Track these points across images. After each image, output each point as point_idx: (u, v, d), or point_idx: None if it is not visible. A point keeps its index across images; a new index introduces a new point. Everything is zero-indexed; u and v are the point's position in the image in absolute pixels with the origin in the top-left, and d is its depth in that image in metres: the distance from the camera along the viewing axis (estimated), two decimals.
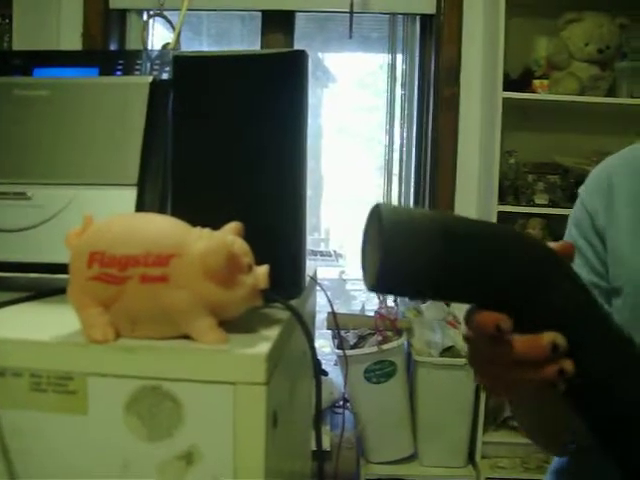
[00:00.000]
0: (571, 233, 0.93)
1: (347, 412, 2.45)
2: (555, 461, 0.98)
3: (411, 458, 2.50)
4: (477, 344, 0.60)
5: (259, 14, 2.88)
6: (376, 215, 0.53)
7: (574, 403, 0.62)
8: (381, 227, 0.51)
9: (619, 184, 0.89)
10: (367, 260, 0.55)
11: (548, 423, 0.83)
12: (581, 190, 0.95)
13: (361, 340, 2.44)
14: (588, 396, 0.60)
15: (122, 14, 2.85)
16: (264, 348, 0.54)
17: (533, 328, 0.56)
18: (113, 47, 2.78)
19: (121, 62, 0.82)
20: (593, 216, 0.90)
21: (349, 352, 2.34)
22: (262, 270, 0.57)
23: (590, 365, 0.58)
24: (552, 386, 0.57)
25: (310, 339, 0.70)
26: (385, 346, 2.36)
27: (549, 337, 0.55)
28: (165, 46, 1.63)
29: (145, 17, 2.81)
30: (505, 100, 2.43)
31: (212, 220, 0.58)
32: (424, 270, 0.53)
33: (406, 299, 2.62)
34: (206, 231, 0.56)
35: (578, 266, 0.89)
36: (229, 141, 0.71)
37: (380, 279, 0.52)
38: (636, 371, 0.61)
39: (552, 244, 0.59)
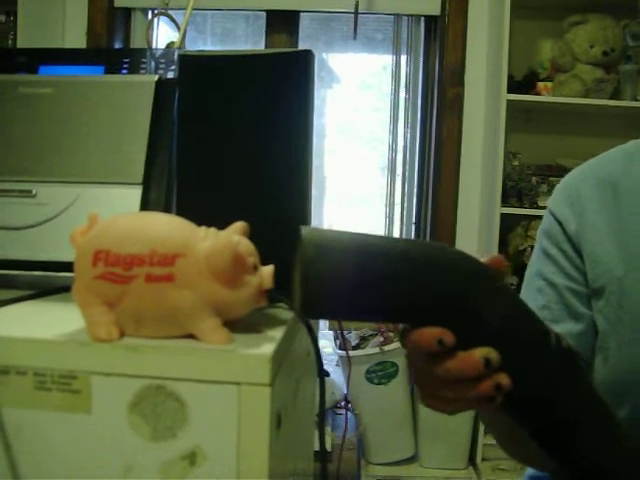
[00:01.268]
0: (542, 244, 0.96)
1: (348, 413, 2.45)
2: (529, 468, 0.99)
3: (412, 459, 2.50)
4: (415, 362, 0.61)
5: (263, 14, 2.88)
6: (299, 240, 0.53)
7: (512, 413, 0.63)
8: (302, 253, 0.52)
9: (587, 194, 0.93)
10: (294, 287, 0.55)
11: (513, 434, 0.83)
12: (549, 203, 0.98)
13: (363, 341, 2.44)
14: (525, 407, 0.61)
15: (127, 13, 2.85)
16: (269, 349, 0.53)
17: (467, 344, 0.55)
18: (118, 45, 2.78)
19: (127, 61, 0.82)
20: (564, 225, 0.93)
21: (351, 353, 2.34)
22: (267, 270, 0.56)
23: (526, 378, 0.58)
24: (490, 400, 0.57)
25: (314, 340, 0.69)
26: (387, 347, 2.36)
27: (481, 352, 0.55)
28: (170, 45, 1.63)
29: (150, 16, 2.81)
30: (509, 102, 2.43)
31: (217, 219, 0.57)
32: (346, 293, 0.53)
33: None
34: (212, 231, 0.56)
35: (553, 273, 0.92)
36: (234, 140, 0.71)
37: (304, 305, 0.53)
38: (572, 380, 0.62)
39: (483, 258, 0.59)
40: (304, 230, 0.53)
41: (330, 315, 0.58)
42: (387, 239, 0.56)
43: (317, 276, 0.51)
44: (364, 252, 0.53)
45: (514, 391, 0.57)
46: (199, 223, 0.57)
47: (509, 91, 2.43)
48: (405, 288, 0.54)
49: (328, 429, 2.34)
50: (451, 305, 0.55)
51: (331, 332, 2.53)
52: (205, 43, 3.04)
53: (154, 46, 2.36)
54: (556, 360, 0.60)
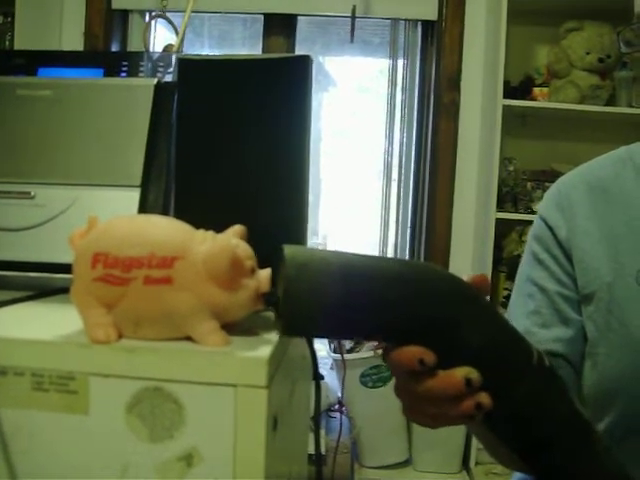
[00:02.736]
0: (533, 249, 0.97)
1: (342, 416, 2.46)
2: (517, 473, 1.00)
3: (405, 463, 2.50)
4: (399, 380, 0.61)
5: (261, 17, 2.89)
6: (282, 259, 0.54)
7: (493, 430, 0.64)
8: (285, 272, 0.52)
9: (577, 200, 0.94)
10: (278, 305, 0.55)
11: (498, 445, 0.84)
12: (540, 208, 0.99)
13: (357, 344, 2.44)
14: (506, 424, 0.62)
15: (124, 14, 2.85)
16: (266, 351, 0.54)
17: (449, 363, 0.56)
18: (115, 47, 2.79)
19: (125, 64, 0.83)
20: (555, 230, 0.94)
21: (346, 356, 2.35)
22: (264, 274, 0.57)
23: (507, 398, 0.59)
24: (470, 418, 0.58)
25: (310, 343, 0.70)
26: (381, 351, 2.36)
27: (462, 372, 0.56)
28: (167, 47, 1.63)
29: (147, 18, 2.81)
30: (505, 107, 2.44)
31: (215, 222, 0.58)
32: (328, 313, 0.53)
33: None
34: (210, 234, 0.56)
35: (544, 278, 0.92)
36: (232, 144, 0.71)
37: (286, 323, 0.53)
38: (553, 400, 0.63)
39: (466, 277, 0.59)
40: (287, 249, 0.54)
41: (312, 333, 0.58)
42: (370, 259, 0.57)
43: (299, 296, 0.52)
44: (346, 273, 0.54)
45: (495, 409, 0.57)
46: (197, 226, 0.57)
47: (505, 96, 2.45)
48: (386, 309, 0.54)
49: (322, 432, 2.34)
50: (432, 326, 0.55)
51: None
52: (203, 46, 3.04)
53: (151, 48, 2.36)
54: (538, 380, 0.60)
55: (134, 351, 0.54)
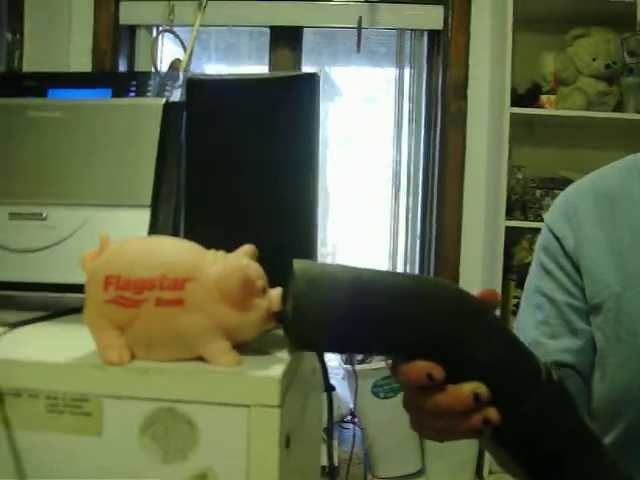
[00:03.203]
0: (541, 260, 0.96)
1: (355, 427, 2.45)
2: None
3: (419, 474, 2.49)
4: (407, 393, 0.61)
5: (267, 30, 2.90)
6: (291, 274, 0.54)
7: (502, 445, 0.63)
8: (294, 288, 0.53)
9: (584, 210, 0.93)
10: (287, 320, 0.55)
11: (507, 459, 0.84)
12: (547, 218, 0.99)
13: (369, 355, 2.44)
14: (513, 439, 0.62)
15: (132, 30, 2.87)
16: (278, 370, 0.54)
17: (457, 378, 0.56)
18: (122, 63, 2.80)
19: (134, 83, 0.83)
20: (562, 241, 0.93)
21: (357, 367, 2.34)
22: (275, 293, 0.57)
23: (515, 413, 0.58)
24: (478, 433, 0.58)
25: (320, 355, 0.70)
26: (390, 365, 2.36)
27: (470, 387, 0.56)
28: (175, 62, 1.64)
29: (154, 33, 2.83)
30: (512, 115, 2.43)
31: (225, 242, 0.58)
32: (337, 329, 0.53)
33: None
34: (221, 254, 0.56)
35: (552, 289, 0.92)
36: (241, 162, 0.72)
37: (296, 339, 0.54)
38: (561, 415, 0.62)
39: (475, 292, 0.59)
40: (297, 264, 0.54)
41: (322, 348, 0.59)
42: (379, 274, 0.57)
43: (308, 311, 0.52)
44: (355, 288, 0.54)
45: (503, 424, 0.57)
46: (207, 245, 0.58)
47: (512, 104, 2.44)
48: (395, 325, 0.55)
49: (335, 444, 2.34)
50: (440, 341, 0.55)
51: None
52: (209, 59, 3.06)
53: (159, 63, 2.38)
54: (546, 395, 0.60)
55: (147, 372, 0.54)
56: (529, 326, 0.93)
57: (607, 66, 2.49)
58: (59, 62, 2.64)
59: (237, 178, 0.71)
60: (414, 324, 0.55)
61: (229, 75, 0.73)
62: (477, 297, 0.59)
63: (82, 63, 2.71)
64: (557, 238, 0.94)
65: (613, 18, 2.46)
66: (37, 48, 2.52)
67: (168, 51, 2.66)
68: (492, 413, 0.56)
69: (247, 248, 0.58)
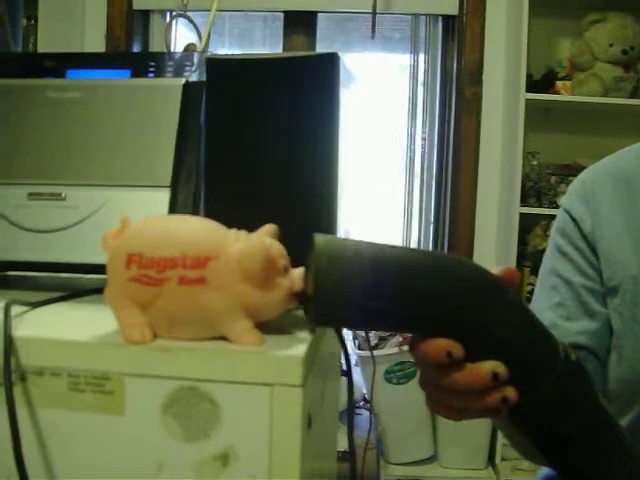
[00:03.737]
0: (557, 242, 0.96)
1: (367, 412, 2.46)
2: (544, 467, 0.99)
3: (431, 459, 2.50)
4: (425, 371, 0.61)
5: (281, 15, 2.89)
6: (312, 249, 0.53)
7: (518, 425, 0.63)
8: (315, 263, 0.52)
9: (602, 192, 0.93)
10: (307, 295, 0.55)
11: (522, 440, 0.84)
12: (564, 201, 0.98)
13: (382, 341, 2.44)
14: (531, 419, 0.62)
15: (145, 15, 2.87)
16: (300, 350, 0.54)
17: (476, 357, 0.56)
18: (136, 48, 2.80)
19: (153, 64, 0.83)
20: (579, 223, 0.93)
21: (369, 353, 2.35)
22: (297, 272, 0.57)
23: (533, 392, 0.58)
24: (496, 412, 0.57)
25: (342, 340, 0.70)
26: (406, 347, 2.36)
27: (489, 366, 0.55)
28: (188, 46, 1.64)
29: (168, 18, 2.82)
30: (528, 101, 2.42)
31: (245, 222, 0.58)
32: (358, 305, 0.53)
33: None
34: (243, 233, 0.56)
35: (569, 271, 0.92)
36: (262, 143, 0.71)
37: (316, 314, 0.53)
38: (579, 395, 0.62)
39: (495, 270, 0.59)
40: (318, 239, 0.53)
41: (342, 324, 0.58)
42: (401, 250, 0.56)
43: (329, 287, 0.52)
44: (377, 263, 0.53)
45: (520, 404, 0.57)
46: (227, 225, 0.57)
47: (528, 90, 2.43)
48: (416, 301, 0.54)
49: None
50: (461, 319, 0.55)
51: (349, 332, 2.53)
52: (223, 45, 3.05)
53: (172, 48, 2.37)
54: (564, 374, 0.60)
55: (169, 351, 0.54)
56: (545, 308, 0.92)
57: (624, 52, 2.46)
58: (73, 47, 2.65)
59: (257, 158, 0.71)
60: (434, 300, 0.54)
61: (249, 54, 0.73)
62: (498, 275, 0.59)
63: (96, 48, 2.71)
64: (574, 220, 0.94)
65: (630, 3, 2.44)
66: (51, 33, 2.52)
67: (181, 37, 2.67)
68: (510, 392, 0.56)
69: (269, 227, 0.58)
